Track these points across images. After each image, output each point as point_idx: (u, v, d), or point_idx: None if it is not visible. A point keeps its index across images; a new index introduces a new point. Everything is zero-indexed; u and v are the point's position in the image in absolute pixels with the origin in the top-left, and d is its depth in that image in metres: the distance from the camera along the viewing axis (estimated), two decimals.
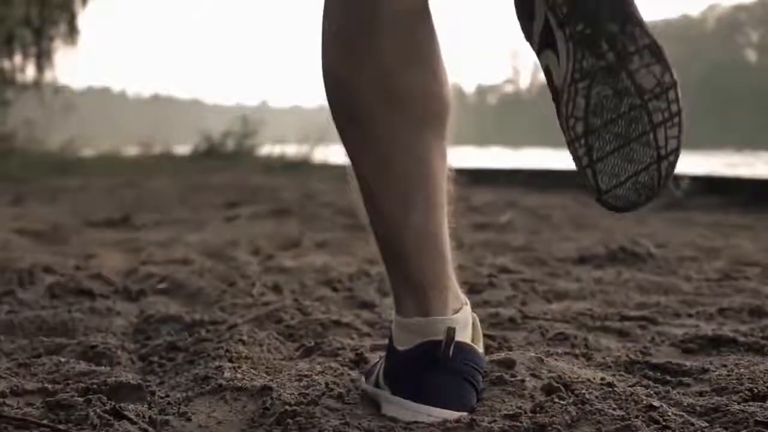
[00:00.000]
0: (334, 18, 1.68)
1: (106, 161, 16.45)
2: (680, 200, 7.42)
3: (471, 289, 2.85)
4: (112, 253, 4.14)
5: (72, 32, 23.29)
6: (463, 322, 1.69)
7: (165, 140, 21.28)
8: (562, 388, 1.69)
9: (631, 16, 1.59)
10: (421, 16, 1.68)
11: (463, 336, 1.68)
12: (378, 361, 1.82)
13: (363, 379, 1.82)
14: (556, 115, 1.64)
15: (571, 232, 5.33)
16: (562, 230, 5.48)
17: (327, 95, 1.72)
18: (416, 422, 1.59)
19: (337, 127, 1.73)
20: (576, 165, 1.65)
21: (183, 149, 20.30)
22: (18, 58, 23.23)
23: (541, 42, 1.66)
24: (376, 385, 1.74)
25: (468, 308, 1.74)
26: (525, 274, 3.23)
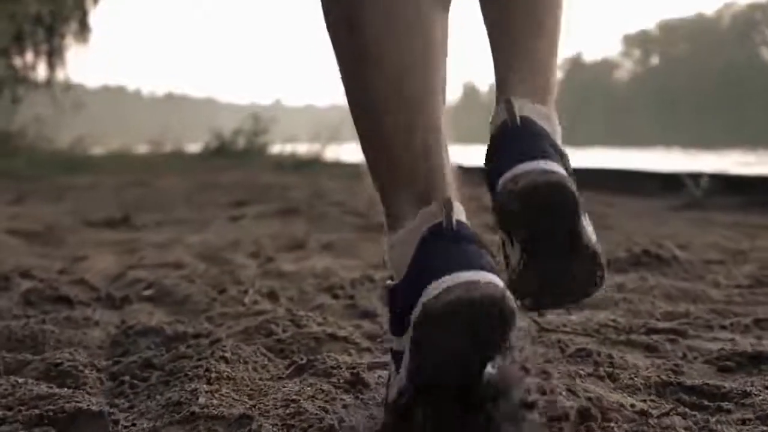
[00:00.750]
0: None
1: (115, 159, 16.31)
2: (699, 200, 7.20)
3: None
4: (105, 255, 3.92)
5: (83, 30, 23.23)
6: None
7: (176, 138, 21.18)
8: (594, 416, 1.47)
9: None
10: None
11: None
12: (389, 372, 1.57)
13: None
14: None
15: None
16: None
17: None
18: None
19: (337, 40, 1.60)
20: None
21: (194, 147, 20.19)
22: (29, 56, 23.20)
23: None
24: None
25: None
26: None
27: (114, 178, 11.55)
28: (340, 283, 2.90)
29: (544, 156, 1.55)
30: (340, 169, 12.44)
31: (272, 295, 2.69)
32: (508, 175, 1.54)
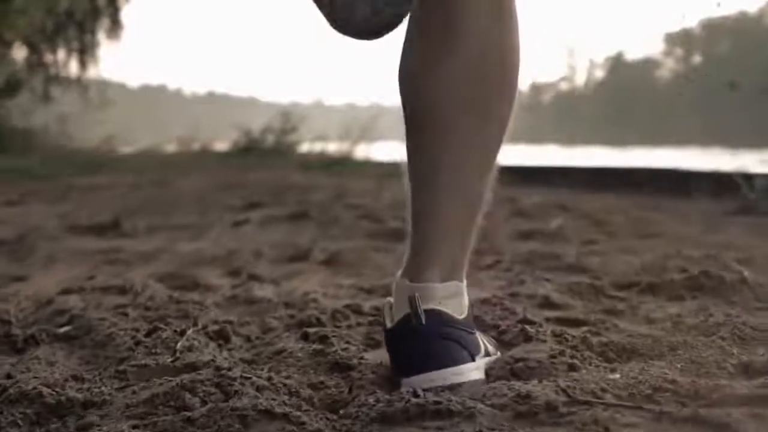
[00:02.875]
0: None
1: (141, 159, 15.84)
2: (754, 203, 6.51)
3: (498, 340, 1.99)
4: (60, 270, 3.35)
5: (115, 27, 22.89)
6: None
7: (208, 137, 20.75)
8: None
9: None
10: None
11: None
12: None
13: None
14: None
15: (633, 242, 4.47)
16: (622, 239, 4.62)
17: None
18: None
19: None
20: None
21: (225, 146, 19.71)
22: (61, 53, 22.86)
23: None
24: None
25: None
26: (574, 312, 2.36)
27: (132, 178, 11.04)
28: (318, 315, 2.26)
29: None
30: (370, 168, 11.90)
31: (221, 335, 2.06)
32: None
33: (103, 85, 22.45)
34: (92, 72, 23.35)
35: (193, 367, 1.76)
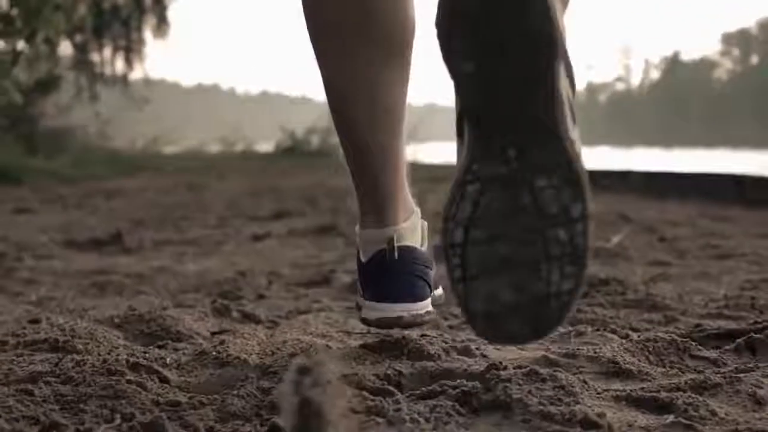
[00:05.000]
0: None
1: (183, 160, 15.42)
2: None
3: None
4: (20, 303, 2.77)
5: (162, 24, 22.66)
6: (411, 228, 1.90)
7: (252, 137, 20.40)
8: None
9: (555, 128, 1.38)
10: None
11: (412, 240, 1.89)
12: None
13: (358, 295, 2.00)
14: None
15: (708, 263, 3.85)
16: (694, 260, 4.00)
17: (306, 14, 1.78)
18: (383, 317, 1.81)
19: (313, 47, 1.81)
20: (448, 275, 1.45)
21: (268, 146, 19.31)
22: (107, 51, 22.64)
23: (457, 127, 1.51)
24: (359, 294, 1.96)
25: (416, 215, 1.93)
26: (652, 386, 1.69)
27: (167, 181, 10.54)
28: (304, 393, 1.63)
29: None
30: (416, 171, 11.30)
31: None
32: None
33: (147, 83, 22.21)
34: (138, 70, 23.09)
35: None
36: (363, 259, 1.91)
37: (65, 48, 19.47)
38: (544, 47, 1.34)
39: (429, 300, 1.86)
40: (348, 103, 1.83)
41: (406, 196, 1.93)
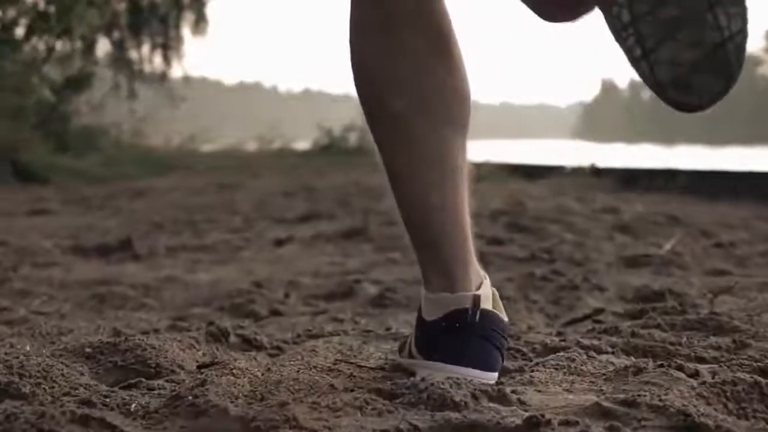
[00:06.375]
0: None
1: (219, 158, 15.13)
2: None
3: None
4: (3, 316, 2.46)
5: (200, 22, 22.42)
6: (485, 294, 1.74)
7: (289, 135, 20.13)
8: None
9: None
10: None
11: (486, 306, 1.74)
12: (409, 335, 1.87)
13: (398, 353, 1.90)
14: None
15: None
16: (756, 268, 3.64)
17: (357, 85, 1.76)
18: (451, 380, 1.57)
19: (366, 116, 1.76)
20: (629, 60, 1.51)
21: (306, 144, 19.00)
22: (145, 48, 22.42)
23: None
24: (410, 355, 1.82)
25: (488, 282, 1.78)
26: None
27: (199, 180, 10.23)
28: None
29: None
30: None
31: None
32: None
33: (186, 81, 22.00)
34: (177, 68, 22.89)
35: None
36: (429, 318, 1.75)
37: (104, 45, 19.27)
38: None
39: (497, 374, 1.71)
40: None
41: (475, 261, 1.80)
